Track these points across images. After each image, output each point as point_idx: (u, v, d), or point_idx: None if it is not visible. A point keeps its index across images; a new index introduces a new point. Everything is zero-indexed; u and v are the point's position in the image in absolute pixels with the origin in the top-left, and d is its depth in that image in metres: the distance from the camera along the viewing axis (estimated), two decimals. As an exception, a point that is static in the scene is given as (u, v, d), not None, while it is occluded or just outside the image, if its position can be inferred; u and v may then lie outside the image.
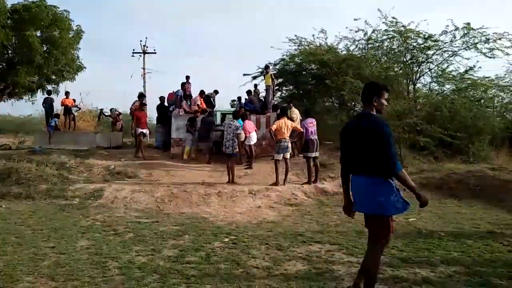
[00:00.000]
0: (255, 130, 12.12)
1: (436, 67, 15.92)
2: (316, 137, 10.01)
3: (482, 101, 16.42)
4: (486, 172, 9.73)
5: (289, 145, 9.72)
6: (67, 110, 15.72)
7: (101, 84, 69.09)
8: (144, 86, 31.99)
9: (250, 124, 11.88)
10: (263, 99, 14.66)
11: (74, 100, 16.21)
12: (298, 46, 15.85)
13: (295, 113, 12.52)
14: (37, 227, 6.26)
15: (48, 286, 3.91)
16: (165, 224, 6.54)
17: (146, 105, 14.10)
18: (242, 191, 8.83)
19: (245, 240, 5.58)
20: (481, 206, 8.23)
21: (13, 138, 22.50)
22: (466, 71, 15.52)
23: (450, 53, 15.35)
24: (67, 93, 16.17)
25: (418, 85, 17.14)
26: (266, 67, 14.41)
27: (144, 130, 13.09)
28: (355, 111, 15.89)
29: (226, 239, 5.63)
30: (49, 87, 17.66)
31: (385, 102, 3.40)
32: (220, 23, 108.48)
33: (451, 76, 16.13)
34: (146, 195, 8.50)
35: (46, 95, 16.29)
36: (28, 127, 27.06)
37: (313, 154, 9.84)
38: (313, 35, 15.84)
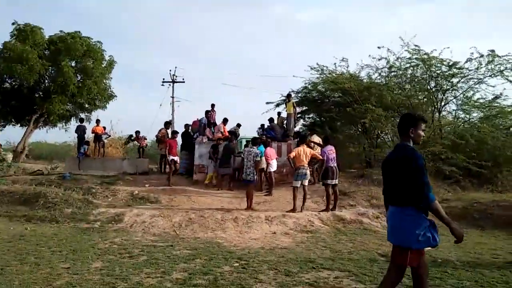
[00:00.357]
0: (276, 158, 12.21)
1: (461, 95, 15.73)
2: (335, 164, 9.98)
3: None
4: (512, 202, 9.39)
5: (308, 172, 9.75)
6: (97, 137, 16.37)
7: (131, 112, 71.45)
8: (172, 114, 32.89)
9: (271, 151, 12.01)
10: (285, 126, 14.84)
11: (104, 128, 16.87)
12: (320, 74, 16.05)
13: (316, 139, 12.56)
14: (56, 249, 6.50)
15: (58, 304, 4.07)
16: (179, 248, 6.65)
17: (178, 133, 14.46)
18: (258, 217, 8.86)
19: (255, 265, 5.61)
20: (504, 236, 7.93)
21: (47, 164, 23.64)
22: (493, 99, 15.24)
23: (475, 80, 15.18)
24: (97, 121, 16.88)
25: (444, 113, 16.97)
26: (288, 95, 14.64)
27: (176, 158, 13.30)
28: (378, 139, 15.83)
29: (236, 264, 5.67)
30: (82, 115, 18.62)
31: (422, 133, 3.42)
32: (249, 50, 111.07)
33: (478, 104, 15.86)
34: (164, 220, 8.67)
35: (79, 123, 17.09)
36: (62, 154, 28.19)
37: (333, 182, 9.80)
38: (334, 64, 16.01)
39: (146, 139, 17.44)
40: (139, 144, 17.09)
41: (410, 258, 3.26)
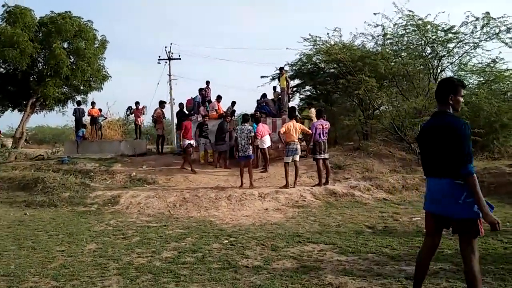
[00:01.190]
0: (269, 133, 12.26)
1: (457, 61, 15.59)
2: (324, 138, 10.01)
3: (509, 94, 15.87)
4: (503, 169, 9.50)
5: (298, 147, 9.84)
6: (94, 120, 16.41)
7: (128, 93, 71.36)
8: (170, 93, 32.82)
9: (263, 128, 12.05)
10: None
11: (100, 110, 16.87)
12: (313, 45, 15.85)
13: (312, 113, 12.61)
14: (53, 233, 6.70)
15: (51, 286, 4.25)
16: (172, 228, 6.83)
17: (193, 114, 13.76)
18: (252, 194, 9.03)
19: (243, 241, 5.78)
20: (494, 203, 8.01)
21: (50, 148, 23.86)
22: (488, 64, 15.10)
23: (471, 45, 14.99)
24: (93, 103, 16.88)
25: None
26: (281, 69, 14.54)
27: (192, 141, 12.36)
28: (375, 111, 15.79)
29: (226, 241, 5.85)
30: (79, 98, 18.61)
31: (461, 99, 3.22)
32: (245, 24, 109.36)
33: (474, 69, 15.73)
34: (159, 200, 8.85)
35: (76, 106, 17.14)
36: (65, 138, 28.38)
37: (322, 156, 9.88)
38: (327, 34, 15.79)
39: (144, 111, 16.78)
40: (134, 119, 16.57)
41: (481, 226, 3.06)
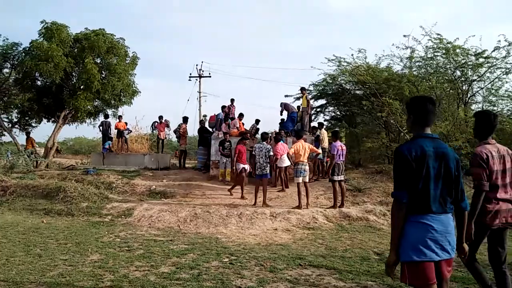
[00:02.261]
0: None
1: (488, 85, 15.08)
2: (341, 160, 9.87)
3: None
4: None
5: (307, 168, 9.80)
6: (120, 133, 16.88)
7: (159, 108, 73.30)
8: (199, 109, 33.37)
9: (282, 147, 11.99)
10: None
11: (126, 124, 17.35)
12: (338, 66, 15.79)
13: (323, 134, 12.57)
14: (63, 241, 6.86)
15: (44, 294, 4.34)
16: (177, 243, 6.84)
17: (248, 139, 12.63)
18: (263, 213, 8.94)
19: (243, 261, 5.71)
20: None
21: (83, 159, 24.72)
22: (521, 89, 14.53)
23: (503, 70, 14.51)
24: (119, 117, 17.41)
25: (475, 106, 16.31)
26: (302, 89, 14.52)
27: (246, 166, 11.42)
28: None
29: (226, 259, 5.79)
30: (109, 111, 19.26)
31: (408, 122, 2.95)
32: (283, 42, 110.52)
33: (505, 95, 15.18)
34: (171, 214, 8.91)
35: (104, 119, 17.70)
36: (98, 149, 29.40)
37: (338, 178, 9.70)
38: (352, 55, 15.66)
39: (168, 124, 16.90)
40: (157, 133, 16.79)
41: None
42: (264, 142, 10.65)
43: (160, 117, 16.57)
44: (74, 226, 8.24)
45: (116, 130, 16.99)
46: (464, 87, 15.43)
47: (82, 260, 5.65)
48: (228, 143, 12.97)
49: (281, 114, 15.23)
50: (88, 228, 8.06)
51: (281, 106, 14.78)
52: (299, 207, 9.42)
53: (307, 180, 9.83)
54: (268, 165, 10.41)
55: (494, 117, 3.80)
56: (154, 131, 17.58)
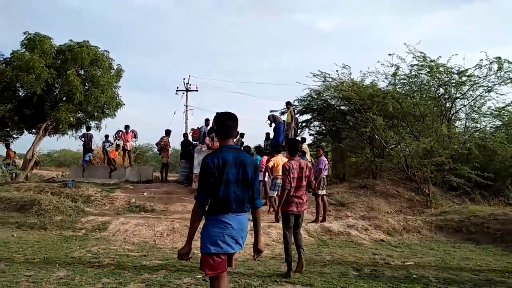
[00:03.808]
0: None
1: (470, 103, 15.22)
2: (325, 175, 9.81)
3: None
4: (511, 216, 8.92)
5: None
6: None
7: (145, 121, 73.03)
8: (186, 123, 33.21)
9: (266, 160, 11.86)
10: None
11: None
12: (323, 81, 15.81)
13: (304, 148, 12.55)
14: (30, 256, 6.53)
15: (-1, 313, 4.05)
16: (151, 258, 6.58)
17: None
18: (243, 227, 8.71)
19: (217, 277, 5.46)
20: (498, 251, 7.54)
21: (65, 171, 24.19)
22: (503, 108, 14.71)
23: (485, 88, 14.69)
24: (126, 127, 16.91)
25: (458, 122, 16.44)
26: (287, 103, 14.45)
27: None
28: (384, 148, 15.41)
29: (199, 276, 5.55)
30: (92, 124, 18.96)
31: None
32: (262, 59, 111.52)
33: (488, 113, 15.33)
34: (147, 229, 8.62)
35: (86, 131, 17.38)
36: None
37: (322, 192, 9.60)
38: (336, 71, 15.71)
39: (136, 135, 16.54)
40: (123, 144, 16.40)
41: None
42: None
43: (127, 127, 16.27)
44: (45, 241, 7.89)
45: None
46: (447, 104, 15.60)
47: (47, 277, 5.34)
48: None
49: (270, 126, 15.03)
50: (59, 243, 7.72)
51: (269, 118, 14.67)
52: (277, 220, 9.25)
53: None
54: None
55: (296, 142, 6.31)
56: (117, 140, 17.19)
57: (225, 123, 3.26)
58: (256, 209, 3.34)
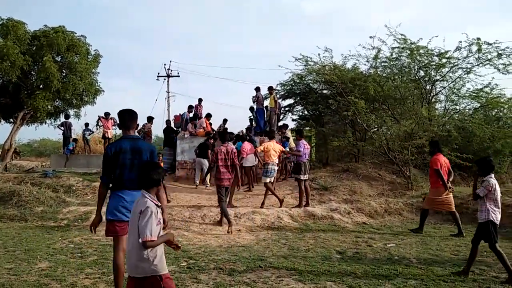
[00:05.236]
0: (254, 152, 12.04)
1: (450, 85, 15.41)
2: (307, 159, 9.83)
3: (504, 120, 15.65)
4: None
5: (276, 168, 9.69)
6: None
7: (126, 108, 71.93)
8: (168, 109, 32.82)
9: (248, 146, 11.83)
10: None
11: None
12: (305, 65, 15.73)
13: (288, 134, 12.59)
14: (11, 249, 6.43)
15: (-20, 308, 3.98)
16: (135, 247, 6.53)
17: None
18: (227, 214, 8.73)
19: (202, 264, 5.49)
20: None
21: (45, 161, 23.72)
22: (480, 89, 14.92)
23: (464, 70, 14.86)
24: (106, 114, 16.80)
25: (438, 105, 16.65)
26: (270, 88, 14.39)
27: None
28: (365, 132, 15.54)
29: (184, 263, 5.56)
30: (71, 112, 18.52)
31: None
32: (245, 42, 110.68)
33: (466, 94, 15.54)
34: (131, 217, 8.55)
35: (64, 119, 17.01)
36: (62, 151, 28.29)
37: (304, 177, 9.64)
38: (318, 54, 15.64)
39: (115, 123, 16.25)
40: (103, 131, 16.18)
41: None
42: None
43: (107, 114, 16.03)
44: (26, 232, 7.77)
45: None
46: (427, 87, 15.73)
47: (28, 269, 5.27)
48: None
49: (253, 102, 14.77)
50: (40, 234, 7.62)
51: (254, 97, 14.55)
52: (262, 206, 9.32)
53: (272, 180, 9.73)
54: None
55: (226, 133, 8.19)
56: (99, 127, 16.95)
57: (124, 117, 4.05)
58: None
